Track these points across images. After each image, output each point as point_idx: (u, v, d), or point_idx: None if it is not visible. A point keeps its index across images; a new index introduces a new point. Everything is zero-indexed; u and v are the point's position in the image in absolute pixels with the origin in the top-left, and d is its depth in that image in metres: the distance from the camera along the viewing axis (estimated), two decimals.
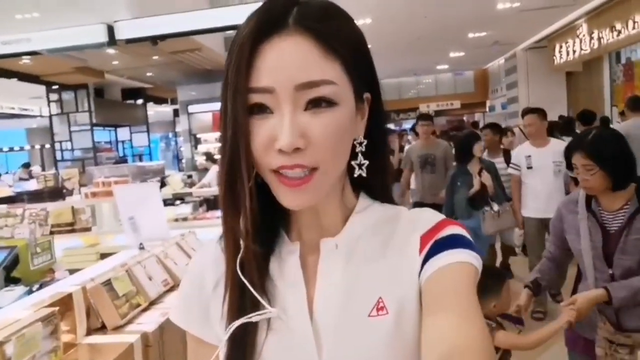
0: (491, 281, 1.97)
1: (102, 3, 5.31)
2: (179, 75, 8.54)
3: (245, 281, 0.57)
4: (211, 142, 8.73)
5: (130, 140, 12.33)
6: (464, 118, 20.82)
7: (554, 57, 13.96)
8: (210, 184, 6.76)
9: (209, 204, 6.81)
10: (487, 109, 20.26)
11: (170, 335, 1.50)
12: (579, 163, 1.76)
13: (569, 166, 1.87)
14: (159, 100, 12.32)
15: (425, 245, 0.59)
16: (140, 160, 11.73)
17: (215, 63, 7.84)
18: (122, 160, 10.15)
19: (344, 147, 0.56)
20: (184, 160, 9.63)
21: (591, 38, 11.33)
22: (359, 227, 0.62)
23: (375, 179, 0.63)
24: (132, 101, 11.72)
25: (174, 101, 12.50)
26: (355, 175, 0.60)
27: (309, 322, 0.58)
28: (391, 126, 21.40)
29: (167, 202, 5.65)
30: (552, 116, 9.80)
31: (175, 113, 10.85)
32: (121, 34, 5.09)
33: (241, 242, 0.57)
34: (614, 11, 10.06)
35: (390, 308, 0.57)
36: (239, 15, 5.13)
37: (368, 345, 0.56)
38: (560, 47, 13.36)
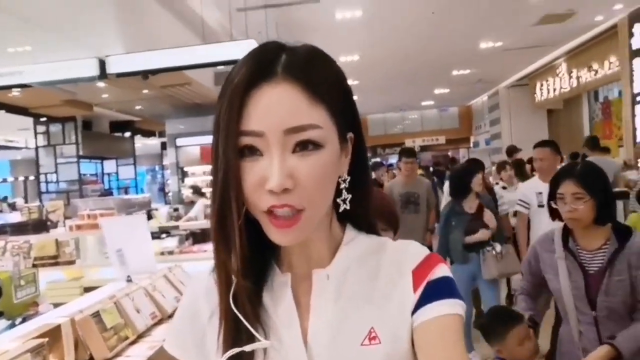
0: (496, 324, 1.87)
1: (94, 37, 5.40)
2: (168, 109, 8.61)
3: (239, 314, 0.59)
4: (199, 175, 8.73)
5: (117, 172, 12.28)
6: (449, 153, 21.13)
7: (535, 95, 14.37)
8: (197, 217, 6.71)
9: (196, 237, 6.74)
10: (472, 145, 20.61)
11: None
12: (569, 192, 1.73)
13: (552, 196, 1.83)
14: (147, 133, 12.35)
15: (418, 284, 0.62)
16: (126, 193, 11.65)
17: (205, 97, 7.94)
18: (108, 192, 10.06)
19: (330, 185, 0.59)
20: (170, 193, 9.61)
21: (570, 77, 11.73)
22: (348, 258, 0.64)
23: (360, 211, 0.66)
24: (119, 134, 11.75)
25: (161, 134, 12.54)
26: (340, 211, 0.63)
27: (304, 352, 0.60)
28: (378, 160, 21.63)
29: (153, 236, 5.55)
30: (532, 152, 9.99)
31: (163, 146, 10.89)
32: (113, 68, 5.16)
33: (233, 276, 0.59)
34: (590, 52, 10.48)
35: (383, 338, 0.60)
36: (229, 51, 5.25)
37: None
38: (541, 85, 13.79)
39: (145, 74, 5.18)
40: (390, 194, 4.31)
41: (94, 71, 5.18)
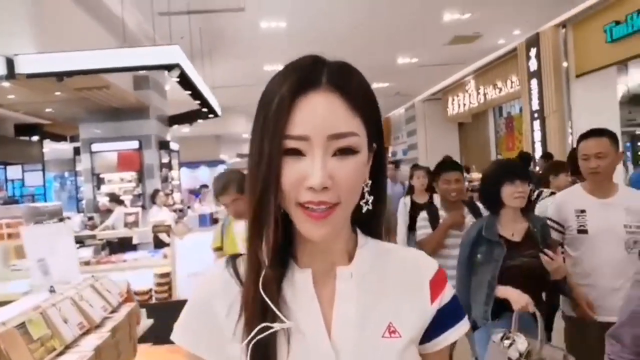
0: None
1: (3, 36, 5.05)
2: (82, 112, 8.17)
3: (267, 298, 0.63)
4: (115, 182, 8.35)
5: (22, 179, 11.36)
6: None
7: (448, 109, 15.33)
8: (115, 225, 6.44)
9: (112, 247, 6.46)
10: (390, 155, 21.49)
11: None
12: None
13: None
14: (57, 137, 11.58)
15: (435, 296, 0.71)
16: (33, 200, 10.82)
17: (123, 101, 7.65)
18: (13, 200, 9.31)
19: (359, 187, 0.65)
20: (84, 202, 9.09)
21: (478, 93, 12.67)
22: (366, 259, 0.71)
23: (371, 216, 0.71)
24: (26, 137, 10.89)
25: (73, 139, 11.82)
26: (364, 211, 0.69)
27: (328, 341, 0.65)
28: None
29: None
30: None
31: (76, 151, 10.27)
32: (23, 68, 4.84)
33: (264, 264, 0.64)
34: (495, 71, 11.42)
35: (402, 333, 0.68)
36: (152, 56, 5.14)
37: None
38: (453, 99, 14.75)
39: (61, 76, 4.92)
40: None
41: (1, 70, 4.84)
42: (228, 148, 21.06)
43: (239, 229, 2.65)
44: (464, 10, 7.73)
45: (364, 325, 0.67)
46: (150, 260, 4.65)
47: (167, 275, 4.31)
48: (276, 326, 0.63)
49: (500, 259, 2.16)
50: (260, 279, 0.64)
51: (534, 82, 9.30)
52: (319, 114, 0.60)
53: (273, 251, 0.64)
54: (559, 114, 8.77)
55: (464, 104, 13.84)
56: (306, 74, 0.62)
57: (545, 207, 3.18)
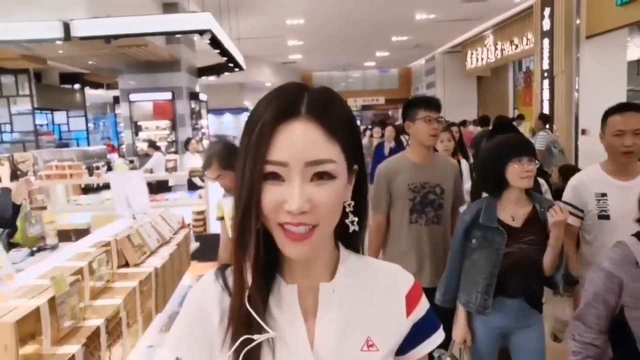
0: None
1: (58, 1, 5.77)
2: (121, 65, 8.95)
3: (252, 310, 0.66)
4: (152, 129, 9.23)
5: (67, 123, 12.41)
6: (389, 112, 22.18)
7: (466, 62, 15.57)
8: (153, 169, 7.33)
9: (151, 188, 7.39)
10: None
11: (166, 271, 2.33)
12: None
13: None
14: (95, 85, 12.46)
15: (410, 310, 0.76)
16: (78, 144, 11.88)
17: (157, 56, 8.37)
18: (64, 144, 10.33)
19: (339, 210, 0.68)
20: (124, 146, 10.06)
21: (496, 49, 12.93)
22: (347, 275, 0.74)
23: (355, 234, 0.74)
24: (69, 85, 11.82)
25: (109, 86, 12.70)
26: (350, 231, 0.72)
27: (310, 353, 0.69)
28: None
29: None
30: (465, 116, 11.12)
31: (115, 100, 11.16)
32: (77, 31, 5.57)
33: (248, 278, 0.68)
34: (512, 28, 11.66)
35: (380, 346, 0.72)
36: (185, 21, 5.82)
37: None
38: (472, 53, 14.96)
39: (109, 39, 5.66)
40: (385, 185, 2.52)
41: (59, 33, 5.57)
42: (251, 95, 21.72)
43: (227, 207, 2.62)
44: None
45: (344, 339, 0.71)
46: (187, 199, 5.55)
47: (202, 212, 5.21)
48: (257, 337, 0.66)
49: (502, 247, 1.97)
50: (245, 293, 0.68)
51: (546, 42, 9.61)
52: (298, 141, 0.63)
53: (256, 268, 0.68)
54: (567, 74, 9.14)
55: (482, 59, 14.09)
56: (287, 103, 0.65)
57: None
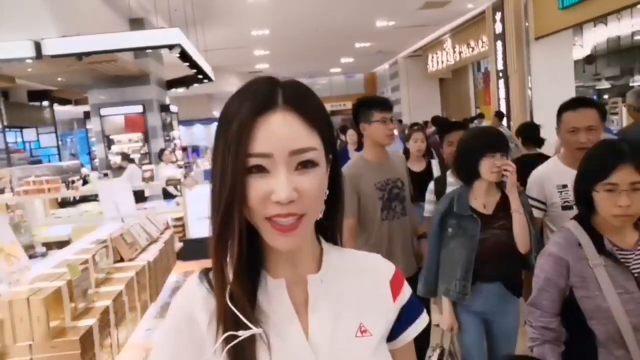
0: None
1: (28, 21, 5.93)
2: (90, 80, 9.08)
3: (235, 310, 0.66)
4: (124, 142, 9.39)
5: (38, 140, 12.39)
6: None
7: (428, 65, 16.17)
8: (128, 181, 7.50)
9: None
10: None
11: (157, 265, 2.60)
12: (626, 181, 1.35)
13: (586, 187, 1.44)
14: (64, 102, 12.49)
15: (396, 295, 0.78)
16: (49, 160, 11.89)
17: (126, 71, 8.55)
18: (36, 161, 10.35)
19: (322, 196, 0.69)
20: (96, 160, 10.17)
21: (454, 51, 13.53)
22: (332, 265, 0.75)
23: (330, 223, 0.76)
24: (38, 103, 11.85)
25: (77, 102, 12.72)
26: (317, 219, 0.71)
27: (307, 344, 0.70)
28: None
29: (90, 198, 6.40)
30: (429, 117, 11.61)
31: (86, 115, 11.26)
32: (48, 50, 5.73)
33: (230, 277, 0.68)
34: (468, 32, 12.26)
35: (373, 331, 0.74)
36: (155, 37, 6.07)
37: (358, 359, 0.72)
38: (432, 57, 15.55)
39: (80, 56, 5.85)
40: (352, 188, 2.53)
41: (30, 53, 5.72)
42: (220, 105, 21.65)
43: None
44: None
45: (338, 327, 0.72)
46: (166, 207, 5.76)
47: (180, 219, 5.45)
48: (241, 333, 0.66)
49: (477, 234, 2.10)
50: (227, 291, 0.67)
51: (499, 44, 10.22)
52: (280, 132, 0.64)
53: (239, 265, 0.67)
54: (520, 73, 9.74)
55: (442, 61, 14.68)
56: (264, 96, 0.65)
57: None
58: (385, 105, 2.64)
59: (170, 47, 5.91)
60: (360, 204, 2.56)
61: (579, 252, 1.47)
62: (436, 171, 3.67)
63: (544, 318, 1.55)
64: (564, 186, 2.23)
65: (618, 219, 1.40)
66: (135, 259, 2.53)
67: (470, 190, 2.22)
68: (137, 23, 8.25)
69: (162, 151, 8.28)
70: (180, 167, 8.69)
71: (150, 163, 8.57)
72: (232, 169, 0.64)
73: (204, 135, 20.19)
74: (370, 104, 2.62)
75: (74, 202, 6.54)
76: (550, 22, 9.04)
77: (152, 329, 2.37)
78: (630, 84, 13.48)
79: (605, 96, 12.52)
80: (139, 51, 8.85)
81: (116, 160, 8.29)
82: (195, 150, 12.59)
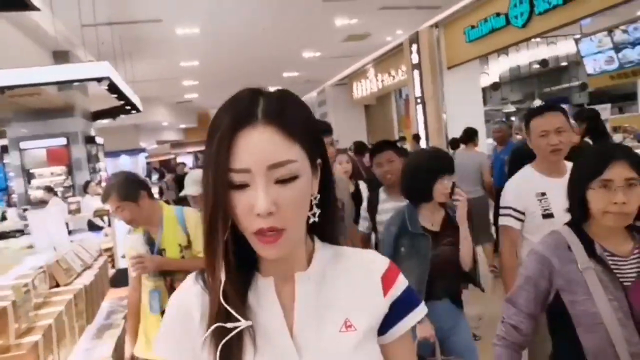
0: None
1: None
2: (9, 113, 8.76)
3: (227, 306, 0.69)
4: (46, 176, 9.05)
5: None
6: None
7: (353, 93, 16.94)
8: None
9: None
10: None
11: (93, 289, 2.69)
12: (621, 177, 1.34)
13: (582, 187, 1.41)
14: None
15: (387, 289, 0.78)
16: None
17: (50, 103, 8.36)
18: None
19: (305, 207, 0.71)
20: (14, 195, 9.70)
21: (377, 80, 14.34)
22: (322, 263, 0.77)
23: (325, 224, 0.78)
24: None
25: None
26: (310, 222, 0.74)
27: (290, 339, 0.72)
28: None
29: (8, 235, 6.17)
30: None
31: (4, 149, 10.70)
32: None
33: (222, 277, 0.70)
34: (388, 62, 13.09)
35: (358, 327, 0.75)
36: (83, 70, 6.08)
37: (341, 354, 0.73)
38: (357, 85, 16.32)
39: (3, 90, 5.74)
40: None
41: None
42: (147, 136, 21.46)
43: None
44: (352, 17, 9.16)
45: (322, 323, 0.74)
46: (94, 238, 5.68)
47: (109, 249, 5.41)
48: (230, 326, 0.69)
49: (429, 252, 2.14)
50: (220, 290, 0.70)
51: (416, 73, 11.02)
52: (257, 147, 0.65)
53: (227, 269, 0.70)
54: (435, 99, 10.56)
55: (367, 89, 15.46)
56: (243, 110, 0.67)
57: None
58: (326, 131, 2.97)
59: (99, 79, 5.93)
60: None
61: (567, 255, 1.42)
62: (364, 190, 3.81)
63: (517, 317, 1.51)
64: (543, 194, 2.19)
65: (613, 217, 1.35)
66: (71, 284, 2.62)
67: (419, 209, 2.27)
68: (61, 56, 8.13)
69: (87, 183, 8.11)
70: None
71: (74, 196, 8.34)
72: (214, 185, 0.67)
73: (131, 166, 19.67)
74: None
75: None
76: (459, 53, 9.95)
77: (90, 349, 2.46)
78: (532, 107, 14.95)
79: (512, 118, 13.78)
80: (60, 85, 8.71)
81: (37, 194, 7.98)
82: None
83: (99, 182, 8.96)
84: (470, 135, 5.67)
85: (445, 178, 2.19)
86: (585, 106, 7.61)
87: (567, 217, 1.58)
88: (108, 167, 12.18)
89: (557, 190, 1.95)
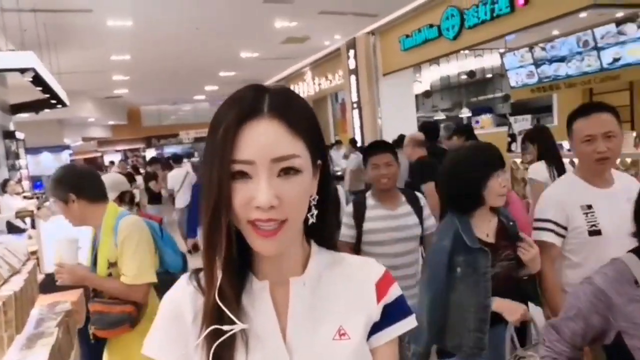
0: None
1: None
2: None
3: (223, 306, 0.69)
4: None
5: None
6: None
7: None
8: None
9: None
10: None
11: (23, 296, 2.54)
12: None
13: None
14: None
15: (381, 297, 0.77)
16: None
17: None
18: None
19: (305, 204, 0.71)
20: None
21: (314, 83, 14.49)
22: (318, 268, 0.77)
23: (323, 227, 0.78)
24: None
25: None
26: (309, 224, 0.74)
27: (283, 344, 0.72)
28: (154, 152, 21.81)
29: None
30: None
31: None
32: None
33: (219, 276, 0.70)
34: (326, 66, 13.27)
35: (352, 335, 0.74)
36: (5, 59, 5.68)
37: None
38: (295, 87, 16.38)
39: None
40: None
41: None
42: (73, 132, 20.23)
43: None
44: (292, 19, 9.21)
45: (316, 329, 0.73)
46: (16, 241, 5.29)
47: (34, 253, 5.08)
48: (226, 328, 0.68)
49: (488, 270, 1.74)
50: (216, 289, 0.69)
51: (353, 78, 11.27)
52: (262, 139, 0.66)
53: (226, 265, 0.70)
54: (371, 104, 10.85)
55: (304, 92, 15.55)
56: (249, 104, 0.67)
57: None
58: None
59: (22, 70, 5.56)
60: None
61: (633, 291, 1.22)
62: (342, 195, 3.73)
63: (561, 345, 1.36)
64: (589, 207, 1.88)
65: None
66: None
67: (472, 220, 1.82)
68: None
69: (6, 182, 7.55)
70: (26, 197, 7.97)
71: None
72: (218, 175, 0.67)
73: (53, 164, 18.48)
74: None
75: None
76: (394, 61, 10.29)
77: None
78: (460, 115, 15.76)
79: (442, 125, 14.41)
80: None
81: None
82: (38, 181, 11.39)
83: (19, 181, 8.37)
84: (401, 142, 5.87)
85: (500, 174, 1.78)
86: (507, 115, 8.14)
87: (618, 235, 1.44)
88: (30, 164, 11.40)
89: (605, 202, 1.80)
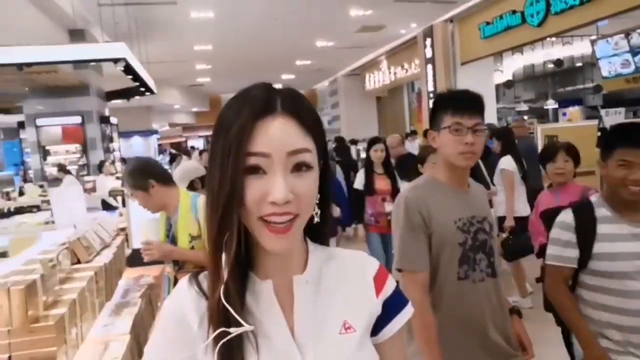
0: None
1: None
2: (25, 90, 8.89)
3: (228, 307, 0.68)
4: (61, 153, 9.20)
5: None
6: None
7: (366, 84, 16.91)
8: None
9: None
10: None
11: (112, 267, 2.81)
12: None
13: None
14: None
15: (379, 291, 0.80)
16: None
17: (66, 81, 8.48)
18: None
19: (314, 200, 0.73)
20: (31, 171, 9.85)
21: (390, 72, 14.32)
22: (317, 265, 0.79)
23: (322, 227, 0.80)
24: None
25: (7, 111, 12.23)
26: (314, 222, 0.76)
27: (293, 342, 0.73)
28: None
29: (25, 210, 6.31)
30: (367, 133, 12.22)
31: (20, 125, 10.84)
32: None
33: (224, 276, 0.70)
34: (402, 54, 13.07)
35: (356, 327, 0.77)
36: (100, 50, 6.17)
37: (344, 355, 0.74)
38: (370, 76, 16.30)
39: (21, 66, 5.85)
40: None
41: None
42: (160, 118, 21.58)
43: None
44: (367, 8, 9.16)
45: (322, 325, 0.75)
46: (109, 218, 5.81)
47: (124, 229, 5.54)
48: (233, 330, 0.68)
49: None
50: (221, 289, 0.70)
51: (429, 67, 11.02)
52: (278, 134, 0.68)
53: (233, 264, 0.70)
54: None
55: (379, 81, 15.45)
56: (263, 101, 0.69)
57: None
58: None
59: (115, 60, 6.02)
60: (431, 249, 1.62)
61: None
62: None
63: None
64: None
65: None
66: (92, 261, 2.73)
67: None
68: (77, 34, 8.21)
69: (102, 163, 8.24)
70: (118, 178, 8.68)
71: (88, 174, 8.49)
72: (232, 169, 0.67)
73: (143, 147, 19.83)
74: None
75: (9, 214, 6.41)
76: (473, 49, 9.92)
77: (108, 325, 2.57)
78: (545, 107, 14.88)
79: (525, 117, 13.74)
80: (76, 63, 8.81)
81: (52, 171, 8.12)
82: None
83: (113, 162, 9.11)
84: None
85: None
86: (599, 108, 7.57)
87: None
88: (121, 147, 12.34)
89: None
